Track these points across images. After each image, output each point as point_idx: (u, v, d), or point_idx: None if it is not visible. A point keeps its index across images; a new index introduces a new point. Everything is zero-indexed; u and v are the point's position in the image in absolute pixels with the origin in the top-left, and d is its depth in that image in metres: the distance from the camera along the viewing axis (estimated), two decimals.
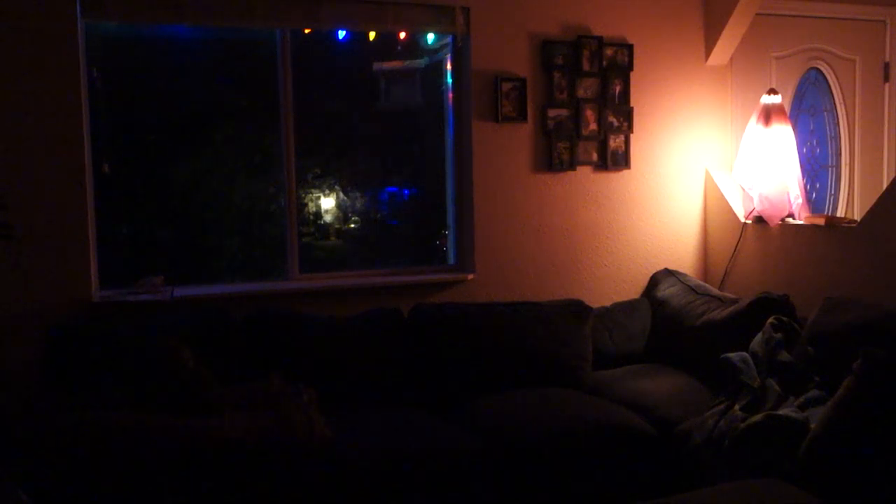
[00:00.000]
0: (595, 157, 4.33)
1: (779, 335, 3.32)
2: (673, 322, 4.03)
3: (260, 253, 4.16)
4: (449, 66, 4.24)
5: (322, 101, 4.20)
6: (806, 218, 4.04)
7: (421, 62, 4.34)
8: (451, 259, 4.32)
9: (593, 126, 4.30)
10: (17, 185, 3.35)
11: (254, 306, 3.62)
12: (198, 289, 3.79)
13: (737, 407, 3.12)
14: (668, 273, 4.41)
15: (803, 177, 4.26)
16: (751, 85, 4.63)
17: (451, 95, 4.24)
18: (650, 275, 4.47)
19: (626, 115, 4.36)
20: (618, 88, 4.34)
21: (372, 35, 4.10)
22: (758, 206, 4.17)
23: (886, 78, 5.04)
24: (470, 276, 4.14)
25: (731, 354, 3.34)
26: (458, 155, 4.22)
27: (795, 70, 4.86)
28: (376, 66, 4.28)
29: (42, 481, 2.52)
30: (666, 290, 4.25)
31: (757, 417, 2.96)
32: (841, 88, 4.96)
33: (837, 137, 5.01)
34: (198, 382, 2.99)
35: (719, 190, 4.49)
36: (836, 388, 2.76)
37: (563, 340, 3.81)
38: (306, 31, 3.95)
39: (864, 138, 5.01)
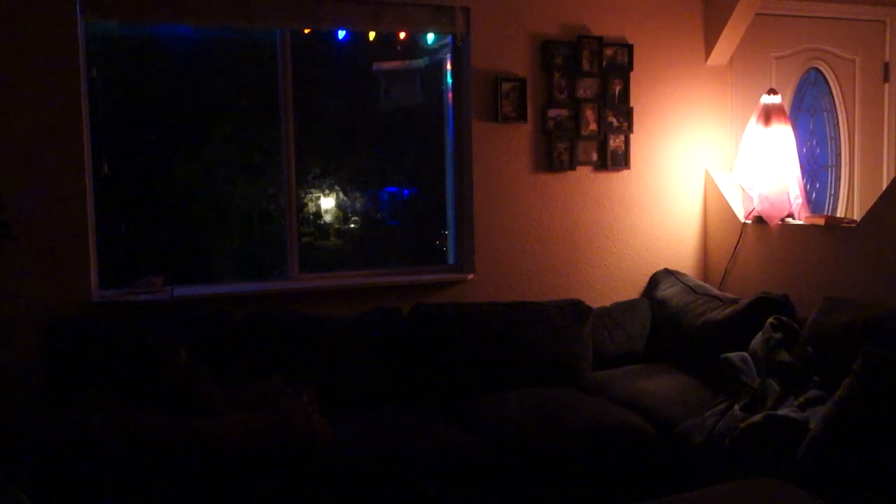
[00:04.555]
0: (595, 157, 4.33)
1: (778, 335, 3.32)
2: (673, 322, 4.03)
3: (260, 253, 4.16)
4: (449, 66, 4.24)
5: (322, 101, 4.20)
6: (806, 218, 4.04)
7: (421, 62, 4.34)
8: (451, 259, 4.32)
9: (593, 126, 4.30)
10: (17, 185, 3.35)
11: (254, 306, 3.62)
12: (198, 289, 3.79)
13: (737, 407, 3.12)
14: (667, 273, 4.41)
15: (803, 177, 4.26)
16: (751, 85, 4.63)
17: (451, 95, 4.24)
18: (650, 275, 4.48)
19: (626, 115, 4.36)
20: (618, 88, 4.34)
21: (372, 35, 4.10)
22: (758, 206, 4.17)
23: (886, 78, 5.04)
24: (470, 276, 4.14)
25: (731, 354, 3.35)
26: (458, 155, 4.22)
27: (795, 70, 4.86)
28: (376, 66, 4.28)
29: (42, 482, 2.52)
30: (666, 290, 4.25)
31: (757, 417, 2.97)
32: (841, 88, 4.96)
33: (837, 137, 5.01)
34: (196, 382, 2.99)
35: (719, 190, 4.49)
36: (836, 388, 2.76)
37: (563, 340, 3.81)
38: (306, 31, 3.95)
39: (864, 138, 5.01)
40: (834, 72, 4.94)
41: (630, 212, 4.44)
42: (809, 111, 4.96)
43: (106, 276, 3.66)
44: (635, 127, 4.39)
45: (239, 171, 4.09)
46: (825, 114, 5.00)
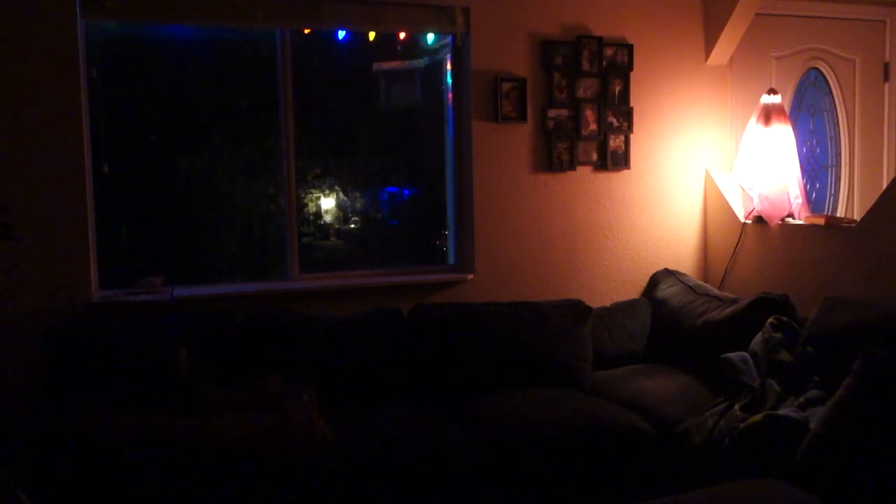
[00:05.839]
0: (595, 157, 4.33)
1: (779, 335, 3.32)
2: (673, 322, 4.03)
3: (260, 253, 4.16)
4: (449, 66, 4.24)
5: (322, 101, 4.20)
6: (806, 218, 4.04)
7: (421, 62, 4.34)
8: (451, 259, 4.32)
9: (593, 126, 4.30)
10: (17, 185, 3.36)
11: (254, 306, 3.62)
12: (198, 289, 3.79)
13: (737, 407, 3.12)
14: (667, 273, 4.41)
15: (803, 177, 4.26)
16: (751, 85, 4.63)
17: (450, 95, 4.24)
18: (650, 275, 4.48)
19: (626, 115, 4.36)
20: (618, 88, 4.34)
21: (372, 35, 4.10)
22: (758, 206, 4.17)
23: (886, 78, 5.04)
24: (470, 276, 4.14)
25: (731, 354, 3.34)
26: (458, 155, 4.22)
27: (795, 70, 4.86)
28: (376, 66, 4.28)
29: (42, 481, 2.52)
30: (666, 290, 4.25)
31: (757, 417, 2.96)
32: (841, 88, 4.96)
33: (837, 137, 5.01)
34: (196, 383, 2.99)
35: (719, 190, 4.49)
36: (836, 388, 2.76)
37: (563, 340, 3.81)
38: (306, 31, 3.95)
39: (864, 138, 5.01)
40: (834, 72, 4.94)
41: (630, 212, 4.44)
42: (809, 111, 4.96)
43: (106, 276, 3.66)
44: (635, 127, 4.39)
45: (239, 171, 4.09)
46: (825, 114, 5.00)
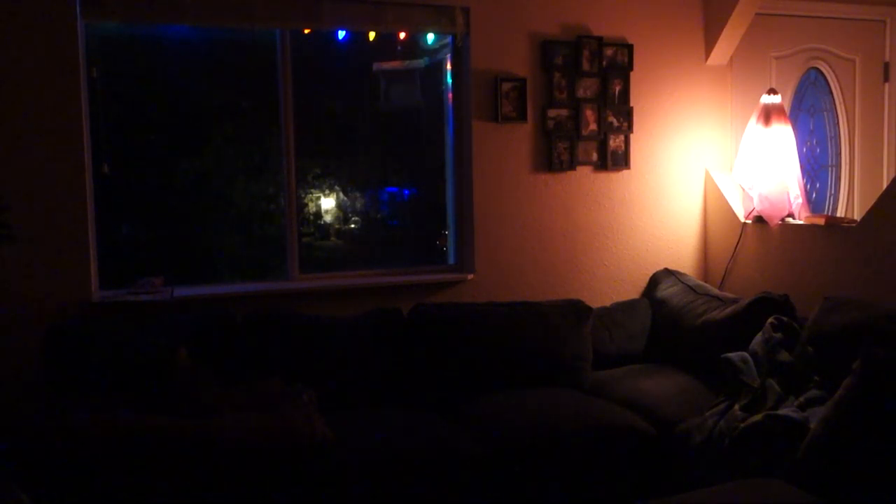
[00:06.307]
0: (595, 157, 4.33)
1: (779, 335, 3.32)
2: (673, 322, 4.03)
3: (260, 253, 4.16)
4: (449, 66, 4.24)
5: (322, 101, 4.20)
6: (806, 218, 4.04)
7: (421, 62, 4.34)
8: (451, 259, 4.32)
9: (593, 126, 4.30)
10: (17, 185, 3.36)
11: (254, 306, 3.62)
12: (198, 289, 3.79)
13: (737, 407, 3.12)
14: (667, 273, 4.41)
15: (803, 177, 4.27)
16: (751, 85, 4.63)
17: (450, 95, 4.24)
18: (650, 275, 4.48)
19: (626, 115, 4.36)
20: (618, 88, 4.34)
21: (372, 35, 4.10)
22: (758, 206, 4.17)
23: (886, 78, 5.04)
24: (470, 276, 4.14)
25: (731, 354, 3.34)
26: (458, 155, 4.22)
27: (795, 70, 4.86)
28: (376, 66, 4.28)
29: (42, 482, 2.52)
30: (666, 290, 4.25)
31: (757, 417, 2.97)
32: (841, 88, 4.96)
33: (837, 137, 5.01)
34: (196, 383, 2.99)
35: (719, 190, 4.49)
36: (836, 388, 2.75)
37: (563, 340, 3.81)
38: (306, 31, 3.95)
39: (864, 138, 5.01)
40: (834, 72, 4.95)
41: (630, 212, 4.44)
42: (809, 111, 4.97)
43: (106, 276, 3.66)
44: (635, 127, 4.39)
45: (239, 171, 4.09)
46: (825, 114, 5.00)
